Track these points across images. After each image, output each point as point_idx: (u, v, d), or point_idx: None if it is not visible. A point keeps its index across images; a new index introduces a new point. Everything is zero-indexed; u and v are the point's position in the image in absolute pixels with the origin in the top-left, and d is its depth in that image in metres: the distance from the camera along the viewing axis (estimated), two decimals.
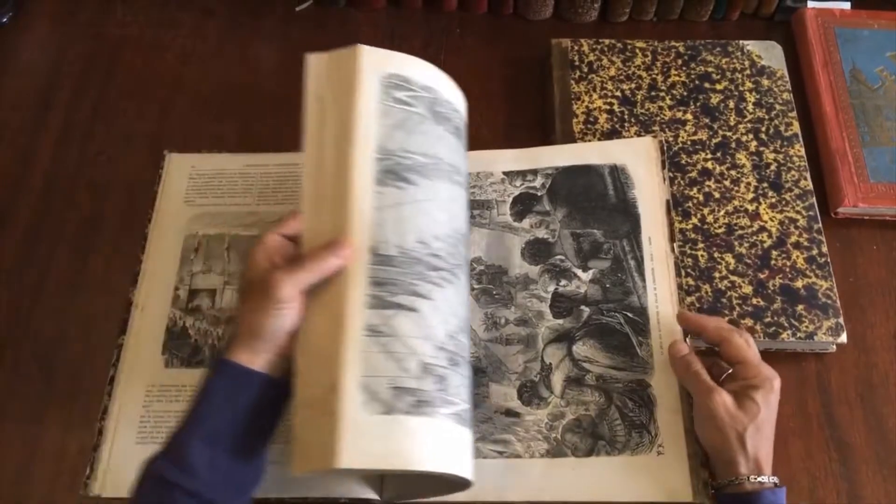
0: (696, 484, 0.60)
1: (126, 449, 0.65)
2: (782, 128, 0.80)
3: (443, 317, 0.58)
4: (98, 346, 0.72)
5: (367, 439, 0.52)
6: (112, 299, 0.74)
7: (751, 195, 0.77)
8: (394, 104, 0.61)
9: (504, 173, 0.74)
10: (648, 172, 0.73)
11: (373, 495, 0.61)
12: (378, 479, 0.62)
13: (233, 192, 0.77)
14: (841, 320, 0.70)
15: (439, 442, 0.54)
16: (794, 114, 0.81)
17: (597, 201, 0.72)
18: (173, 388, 0.67)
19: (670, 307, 0.67)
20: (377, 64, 0.62)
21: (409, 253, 0.58)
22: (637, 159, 0.73)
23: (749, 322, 0.70)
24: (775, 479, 0.58)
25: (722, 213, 0.76)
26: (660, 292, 0.68)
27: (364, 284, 0.56)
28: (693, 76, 0.84)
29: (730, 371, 0.62)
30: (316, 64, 0.63)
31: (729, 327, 0.63)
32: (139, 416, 0.66)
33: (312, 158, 0.61)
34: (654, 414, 0.64)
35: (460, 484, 0.57)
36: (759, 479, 0.57)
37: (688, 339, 0.65)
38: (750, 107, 0.82)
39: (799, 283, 0.72)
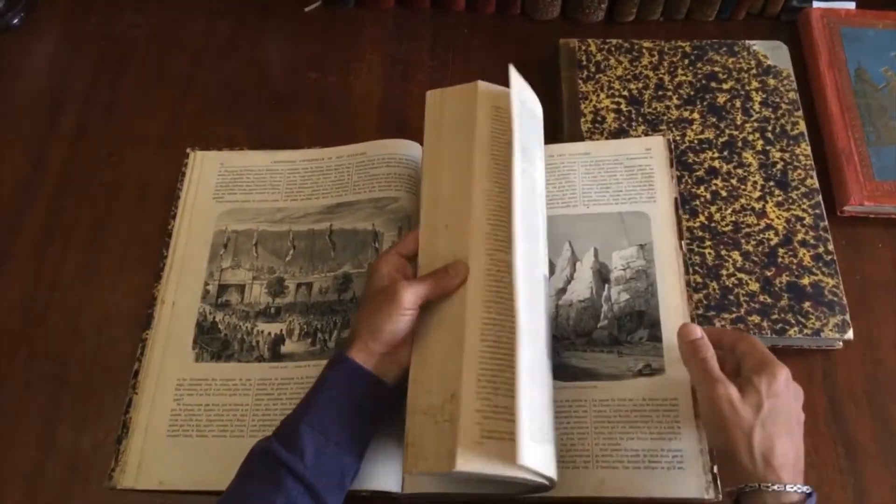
0: (708, 481, 0.60)
1: (157, 442, 0.66)
2: (788, 127, 0.81)
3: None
4: (112, 343, 0.73)
5: (483, 446, 0.55)
6: (126, 297, 0.75)
7: (757, 193, 0.77)
8: (502, 134, 0.66)
9: None
10: (659, 170, 0.74)
11: (394, 489, 0.62)
12: (400, 471, 0.63)
13: (261, 188, 0.78)
14: (847, 317, 0.71)
15: (542, 449, 0.57)
16: (800, 113, 0.82)
17: None
18: (203, 381, 0.68)
19: (679, 303, 0.67)
20: (492, 98, 0.67)
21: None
22: (649, 157, 0.74)
23: (756, 319, 0.71)
24: (801, 489, 0.52)
25: (729, 211, 0.76)
26: (668, 289, 0.68)
27: (482, 304, 0.60)
28: (700, 76, 0.84)
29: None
30: (434, 99, 0.69)
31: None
32: (170, 410, 0.67)
33: (430, 186, 0.67)
34: None
35: (534, 487, 0.59)
36: (773, 487, 0.52)
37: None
38: (756, 106, 0.82)
39: (805, 281, 0.73)
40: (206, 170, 0.79)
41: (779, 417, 0.55)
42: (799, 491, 0.52)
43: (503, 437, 0.56)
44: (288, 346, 0.69)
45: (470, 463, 0.55)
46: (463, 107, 0.67)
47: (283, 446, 0.56)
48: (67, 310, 0.75)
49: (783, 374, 0.56)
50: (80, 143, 0.85)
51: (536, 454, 0.55)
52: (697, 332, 0.59)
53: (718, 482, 0.61)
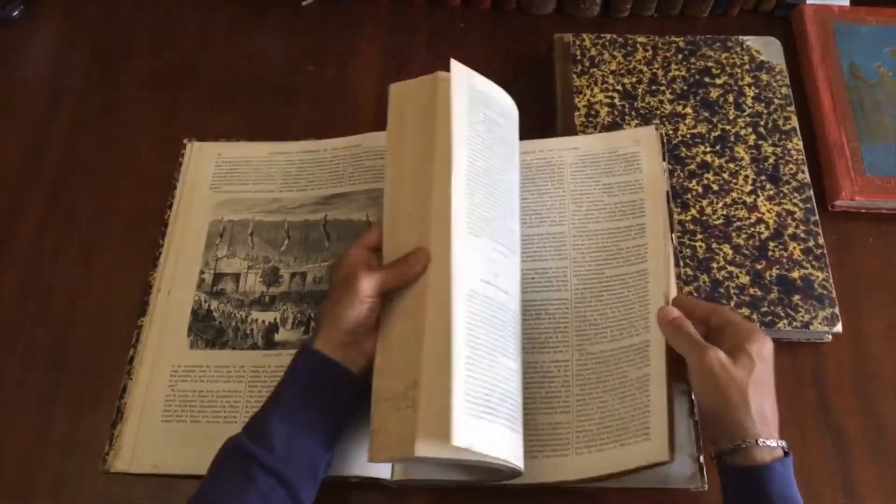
0: (670, 443, 0.60)
1: (151, 427, 0.67)
2: (781, 122, 0.82)
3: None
4: (108, 330, 0.74)
5: (444, 432, 0.55)
6: (124, 284, 0.76)
7: (749, 187, 0.78)
8: (471, 125, 0.66)
9: None
10: (651, 163, 0.74)
11: (384, 475, 0.63)
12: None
13: (257, 178, 0.79)
14: (836, 310, 0.72)
15: (504, 435, 0.59)
16: (792, 108, 0.83)
17: None
18: (198, 368, 0.69)
19: (670, 296, 0.68)
20: (454, 89, 0.67)
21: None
22: (640, 149, 0.74)
23: (746, 311, 0.71)
24: (783, 444, 0.56)
25: (720, 204, 0.77)
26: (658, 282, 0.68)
27: (444, 290, 0.60)
28: (693, 71, 0.85)
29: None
30: (398, 90, 0.70)
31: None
32: (164, 396, 0.68)
33: (392, 175, 0.67)
34: None
35: (507, 473, 0.60)
36: (767, 441, 0.55)
37: None
38: (749, 101, 0.83)
39: (795, 274, 0.73)
40: (203, 160, 0.80)
41: (766, 381, 0.58)
42: (783, 447, 0.56)
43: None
44: (281, 335, 0.70)
45: (429, 448, 0.55)
46: (424, 97, 0.68)
47: (253, 440, 0.56)
48: (65, 297, 0.76)
49: (769, 343, 0.60)
50: (78, 133, 0.86)
51: (472, 432, 0.56)
52: (674, 311, 0.62)
53: (705, 472, 0.62)
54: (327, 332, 0.61)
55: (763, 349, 0.58)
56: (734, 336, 0.59)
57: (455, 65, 0.67)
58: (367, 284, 0.60)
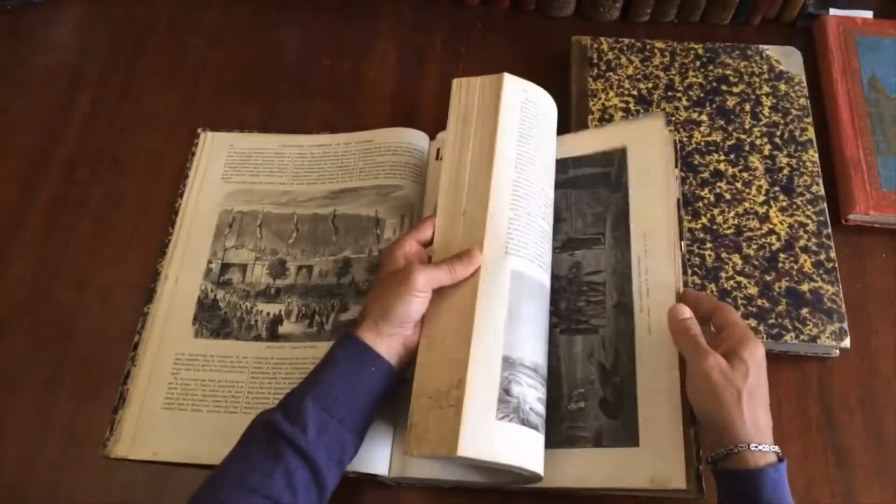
0: (689, 471, 0.59)
1: (153, 413, 0.67)
2: (797, 133, 0.81)
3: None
4: (115, 315, 0.74)
5: (485, 435, 0.57)
6: (131, 271, 0.76)
7: (762, 198, 0.77)
8: (527, 131, 0.69)
9: None
10: (656, 156, 0.71)
11: (381, 471, 0.63)
12: (390, 454, 0.64)
13: (268, 170, 0.79)
14: (845, 325, 0.71)
15: (536, 444, 0.60)
16: (809, 119, 0.82)
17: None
18: (201, 357, 0.70)
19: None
20: (519, 92, 0.69)
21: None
22: (644, 141, 0.72)
23: (753, 323, 0.71)
24: (777, 449, 0.56)
25: (732, 214, 0.76)
26: (661, 289, 0.67)
27: (494, 293, 0.61)
28: (710, 78, 0.84)
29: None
30: (461, 87, 0.71)
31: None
32: (167, 383, 0.68)
33: (451, 172, 0.68)
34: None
35: (528, 478, 0.61)
36: (759, 447, 0.55)
37: None
38: (766, 111, 0.82)
39: (805, 287, 0.73)
40: (215, 150, 0.81)
41: (760, 387, 0.58)
42: (777, 452, 0.56)
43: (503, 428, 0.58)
44: (286, 327, 0.71)
45: (472, 449, 0.56)
46: (489, 96, 0.69)
47: (287, 419, 0.56)
48: (74, 281, 0.76)
49: (761, 348, 0.59)
50: (95, 118, 0.86)
51: (481, 442, 0.57)
52: (686, 311, 0.62)
53: (703, 482, 0.62)
54: (374, 321, 0.60)
55: (756, 354, 0.59)
56: (729, 339, 0.59)
57: (509, 77, 0.69)
58: (423, 279, 0.60)
